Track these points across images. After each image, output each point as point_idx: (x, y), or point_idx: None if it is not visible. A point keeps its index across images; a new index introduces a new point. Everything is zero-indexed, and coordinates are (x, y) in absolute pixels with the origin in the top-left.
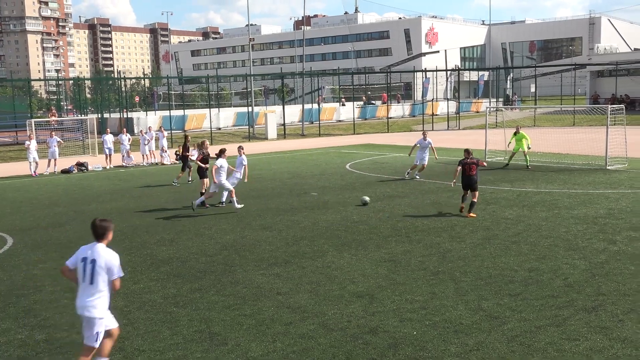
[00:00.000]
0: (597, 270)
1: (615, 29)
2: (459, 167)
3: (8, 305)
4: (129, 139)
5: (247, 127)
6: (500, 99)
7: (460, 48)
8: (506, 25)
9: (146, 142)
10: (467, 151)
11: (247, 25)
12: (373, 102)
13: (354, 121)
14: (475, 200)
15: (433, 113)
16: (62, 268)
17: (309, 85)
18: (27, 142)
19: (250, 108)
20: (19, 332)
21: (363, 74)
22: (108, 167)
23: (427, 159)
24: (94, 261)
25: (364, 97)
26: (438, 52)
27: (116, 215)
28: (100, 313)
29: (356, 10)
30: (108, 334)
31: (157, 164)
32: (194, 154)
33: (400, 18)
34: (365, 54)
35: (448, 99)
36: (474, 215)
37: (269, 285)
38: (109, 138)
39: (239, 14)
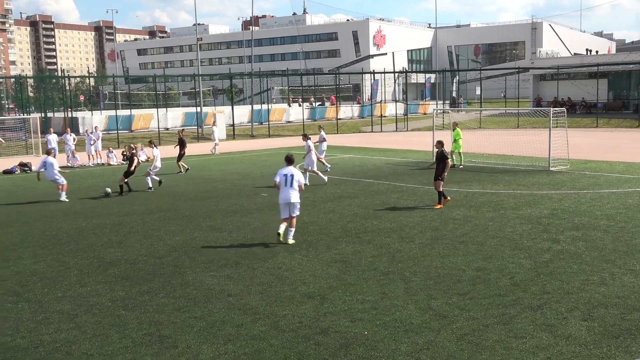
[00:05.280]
0: (542, 269)
1: (556, 34)
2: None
3: None
4: (74, 139)
5: (196, 127)
6: (447, 101)
7: (408, 50)
8: (452, 29)
9: (92, 142)
10: (442, 143)
11: (194, 25)
12: (322, 103)
13: (303, 122)
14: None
15: (381, 114)
16: (276, 183)
17: (258, 86)
18: None
19: (198, 108)
20: None
21: (312, 75)
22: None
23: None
24: (292, 175)
25: (311, 99)
26: (386, 54)
27: (61, 216)
28: (297, 199)
29: (304, 12)
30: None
31: (103, 164)
32: (141, 155)
33: (348, 20)
34: (314, 55)
35: (396, 101)
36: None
37: (220, 287)
38: (52, 138)
39: (185, 12)
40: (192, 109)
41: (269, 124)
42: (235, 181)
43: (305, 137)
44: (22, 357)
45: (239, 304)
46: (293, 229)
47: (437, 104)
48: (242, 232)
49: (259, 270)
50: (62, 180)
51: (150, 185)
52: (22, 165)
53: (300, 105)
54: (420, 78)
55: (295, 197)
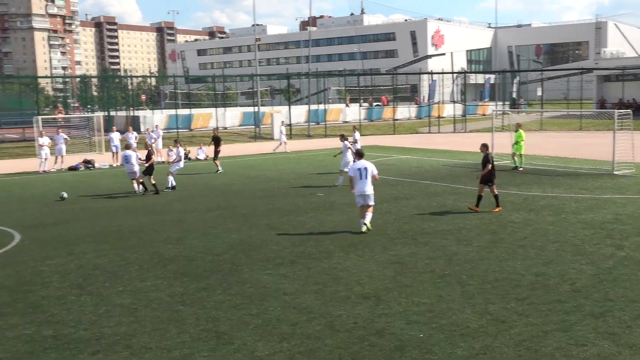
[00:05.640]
0: (605, 275)
1: (622, 34)
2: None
3: (16, 300)
4: (136, 137)
5: (253, 127)
6: (507, 103)
7: (467, 51)
8: (513, 29)
9: (153, 141)
10: (487, 146)
11: (253, 25)
12: (379, 104)
13: (359, 122)
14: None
15: (439, 115)
16: (350, 178)
17: (315, 86)
18: (40, 139)
19: (256, 108)
20: (26, 328)
21: (369, 76)
22: (115, 165)
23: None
24: (366, 168)
25: (370, 99)
26: (444, 54)
27: (123, 212)
28: (372, 191)
29: (362, 12)
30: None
31: (163, 162)
32: (200, 154)
33: (406, 20)
34: (371, 55)
35: (454, 102)
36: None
37: (276, 285)
38: (115, 136)
39: (244, 13)
40: (250, 109)
41: (325, 124)
42: (292, 180)
43: (343, 138)
44: (85, 348)
45: (294, 302)
46: (370, 214)
47: (496, 105)
48: (298, 231)
49: (314, 269)
50: (138, 174)
51: (170, 185)
52: (86, 162)
53: (361, 106)
54: (480, 79)
55: (370, 188)
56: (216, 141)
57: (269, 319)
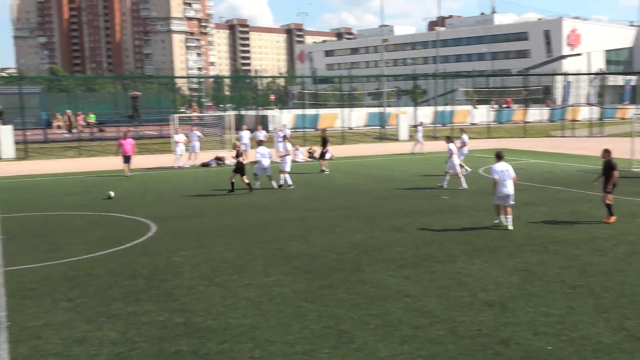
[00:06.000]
0: None
1: None
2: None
3: (151, 288)
4: (265, 136)
5: (379, 127)
6: None
7: (605, 51)
8: None
9: (280, 139)
10: (609, 151)
11: (380, 26)
12: (507, 105)
13: (488, 124)
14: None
15: (574, 119)
16: (494, 180)
17: (442, 87)
18: (176, 136)
19: (382, 109)
20: (159, 314)
21: (498, 77)
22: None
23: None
24: (507, 170)
25: (499, 101)
26: (580, 54)
27: (249, 209)
28: (513, 191)
29: (493, 11)
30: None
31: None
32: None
33: (539, 19)
34: (501, 55)
35: (590, 104)
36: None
37: (398, 287)
38: (245, 134)
39: (372, 14)
40: (376, 109)
41: (452, 126)
42: (417, 182)
43: (449, 140)
44: (212, 337)
45: (416, 305)
46: (510, 217)
47: (637, 108)
48: (421, 233)
49: (437, 273)
50: (269, 171)
51: (282, 182)
52: (218, 159)
53: (491, 108)
54: (619, 80)
55: (511, 189)
56: (324, 142)
57: (390, 320)
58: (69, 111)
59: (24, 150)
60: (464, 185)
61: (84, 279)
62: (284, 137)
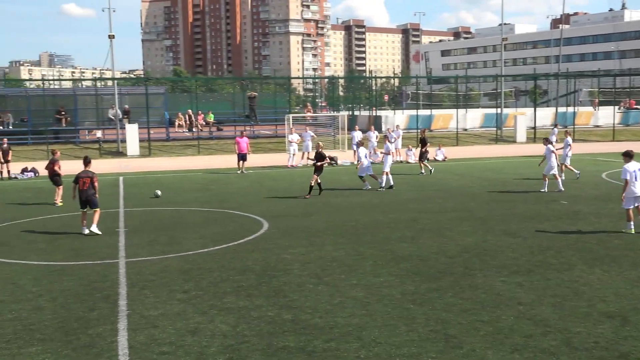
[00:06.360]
0: None
1: None
2: None
3: (261, 284)
4: (377, 136)
5: (495, 129)
6: None
7: None
8: None
9: (392, 140)
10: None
11: (500, 25)
12: (630, 107)
13: (613, 127)
14: None
15: None
16: (625, 181)
17: (564, 88)
18: (290, 136)
19: (499, 109)
20: (269, 310)
21: (627, 76)
22: (355, 163)
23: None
24: (639, 170)
25: (624, 102)
26: None
27: (359, 209)
28: None
29: (623, 7)
30: None
31: (401, 161)
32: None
33: None
34: (631, 54)
35: None
36: None
37: (510, 294)
38: (357, 134)
39: (492, 13)
40: (492, 110)
41: (574, 128)
42: (533, 185)
43: (547, 142)
44: (319, 335)
45: (529, 313)
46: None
47: None
48: (537, 239)
49: (553, 281)
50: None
51: (383, 184)
52: (330, 159)
53: (619, 109)
54: None
55: None
56: (422, 142)
57: (500, 328)
58: (189, 111)
59: (148, 147)
60: (561, 187)
61: (198, 273)
62: (385, 138)
